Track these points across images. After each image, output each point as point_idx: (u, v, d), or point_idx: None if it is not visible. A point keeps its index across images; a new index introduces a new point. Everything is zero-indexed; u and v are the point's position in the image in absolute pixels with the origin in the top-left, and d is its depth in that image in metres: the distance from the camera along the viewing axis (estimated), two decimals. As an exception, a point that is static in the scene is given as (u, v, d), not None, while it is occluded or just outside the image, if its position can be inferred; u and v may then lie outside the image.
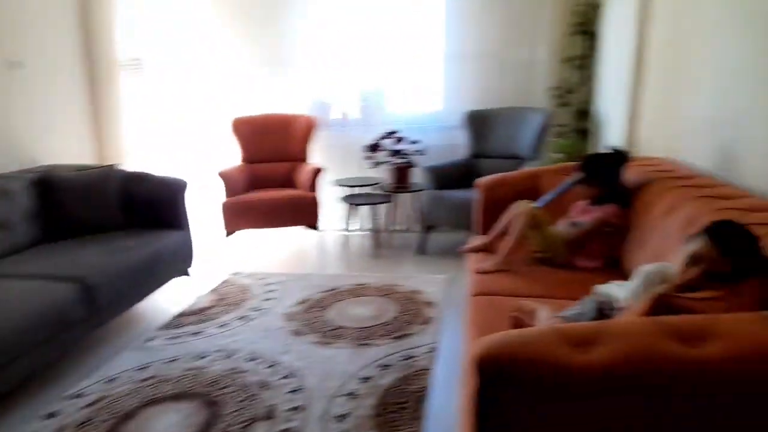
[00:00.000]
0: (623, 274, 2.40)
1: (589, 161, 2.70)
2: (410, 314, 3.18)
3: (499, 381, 1.19)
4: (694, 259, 1.45)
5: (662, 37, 3.22)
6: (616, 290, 1.80)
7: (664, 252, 2.01)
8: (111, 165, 3.88)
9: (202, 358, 2.77)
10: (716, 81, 2.47)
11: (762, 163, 2.09)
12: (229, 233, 4.38)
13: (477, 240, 3.05)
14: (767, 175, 2.05)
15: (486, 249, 2.86)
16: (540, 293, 2.29)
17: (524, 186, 3.18)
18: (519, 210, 2.63)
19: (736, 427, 1.17)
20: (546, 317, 1.85)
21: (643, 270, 1.69)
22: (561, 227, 2.71)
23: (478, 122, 4.67)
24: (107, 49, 4.54)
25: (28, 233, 3.22)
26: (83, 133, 4.45)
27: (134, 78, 4.89)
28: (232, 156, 4.88)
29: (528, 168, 3.52)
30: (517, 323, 1.93)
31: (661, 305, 1.34)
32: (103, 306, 2.82)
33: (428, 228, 4.31)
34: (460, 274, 3.67)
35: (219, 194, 4.47)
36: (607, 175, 2.65)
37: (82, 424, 2.24)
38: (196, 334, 3.05)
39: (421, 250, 4.37)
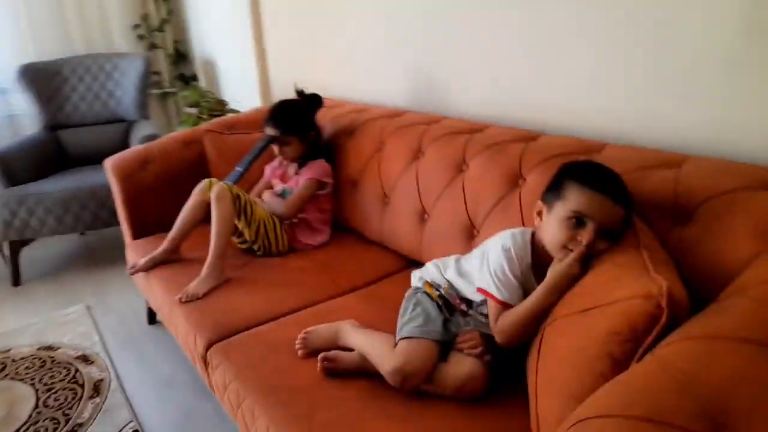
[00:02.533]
0: (365, 245, 1.96)
1: (281, 112, 2.07)
2: (62, 391, 1.99)
3: None
4: (580, 218, 1.09)
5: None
6: (458, 273, 1.33)
7: (453, 213, 1.62)
8: None
9: None
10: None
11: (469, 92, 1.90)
12: None
13: (142, 250, 2.07)
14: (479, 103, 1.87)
15: (170, 259, 1.95)
16: (299, 303, 1.62)
17: (183, 159, 2.31)
18: (216, 194, 1.82)
19: None
20: (374, 343, 1.25)
21: (503, 243, 1.24)
22: (266, 203, 2.03)
23: (42, 80, 3.30)
24: None
25: None
26: None
27: None
28: None
29: (171, 133, 2.59)
30: (334, 365, 1.27)
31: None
32: None
33: (18, 244, 2.86)
34: (103, 297, 2.59)
35: None
36: (303, 125, 2.08)
37: None
38: None
39: (16, 279, 2.90)
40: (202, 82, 4.03)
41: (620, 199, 1.09)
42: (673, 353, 0.77)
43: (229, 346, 1.46)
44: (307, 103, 2.12)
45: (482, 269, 1.24)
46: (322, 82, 2.31)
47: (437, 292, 1.35)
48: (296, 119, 2.05)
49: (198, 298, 1.69)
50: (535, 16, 1.61)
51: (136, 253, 2.11)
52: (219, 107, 2.89)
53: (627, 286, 0.90)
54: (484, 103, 1.85)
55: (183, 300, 1.68)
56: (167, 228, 2.13)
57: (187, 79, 4.11)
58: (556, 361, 0.98)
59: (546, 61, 1.61)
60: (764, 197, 1.04)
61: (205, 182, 1.92)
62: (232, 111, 2.94)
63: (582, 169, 1.16)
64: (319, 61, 2.69)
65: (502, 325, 1.16)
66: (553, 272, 1.12)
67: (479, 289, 1.25)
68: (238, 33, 3.17)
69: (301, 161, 2.07)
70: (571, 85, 1.56)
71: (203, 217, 1.93)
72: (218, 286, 1.74)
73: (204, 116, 2.81)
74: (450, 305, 1.32)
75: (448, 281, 1.36)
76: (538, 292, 1.13)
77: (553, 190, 1.17)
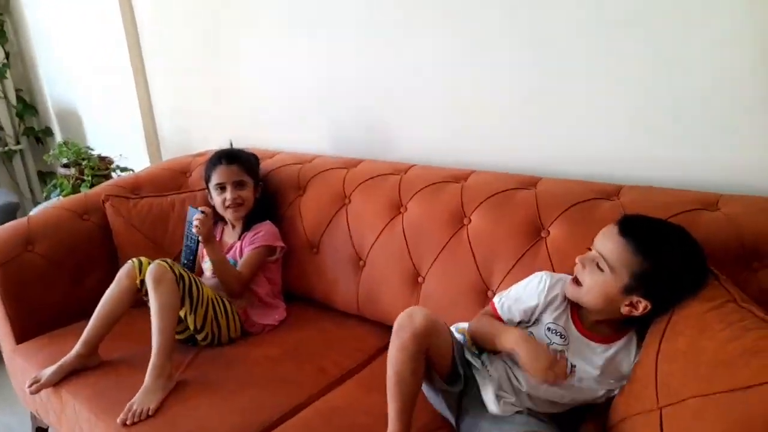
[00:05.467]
0: (335, 319, 1.68)
1: (234, 150, 1.79)
2: None
3: None
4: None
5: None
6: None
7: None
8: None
9: None
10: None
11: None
12: None
13: (36, 357, 1.57)
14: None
15: (86, 366, 1.49)
16: (290, 405, 1.30)
17: (77, 234, 1.84)
18: (154, 275, 1.42)
19: None
20: None
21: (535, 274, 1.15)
22: (208, 282, 1.67)
23: None
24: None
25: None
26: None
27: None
28: None
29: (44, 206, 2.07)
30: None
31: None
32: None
33: None
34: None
35: None
36: (257, 170, 1.83)
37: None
38: None
39: None
40: (58, 137, 3.43)
41: (630, 234, 0.99)
42: None
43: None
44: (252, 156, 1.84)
45: None
46: (235, 137, 2.03)
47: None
48: (252, 160, 1.79)
49: (149, 416, 1.29)
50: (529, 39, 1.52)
51: (25, 361, 1.60)
52: (103, 166, 2.41)
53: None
54: (450, 147, 1.72)
55: (128, 422, 1.27)
56: (62, 323, 1.71)
57: (38, 134, 3.47)
58: (701, 450, 0.83)
59: (542, 101, 1.51)
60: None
61: (133, 263, 1.51)
62: (122, 169, 2.48)
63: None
64: (227, 112, 2.38)
65: (476, 318, 1.17)
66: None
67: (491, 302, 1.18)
68: (114, 77, 2.73)
69: (245, 222, 1.75)
70: (566, 127, 1.48)
71: (129, 308, 1.52)
72: (168, 396, 1.35)
73: (87, 178, 2.31)
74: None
75: None
76: (513, 328, 1.10)
77: None
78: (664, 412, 0.91)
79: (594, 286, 1.02)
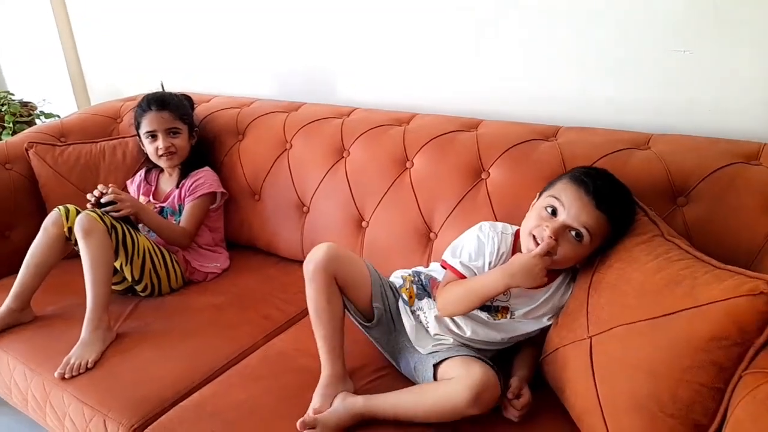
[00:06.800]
0: (279, 265, 1.67)
1: (167, 95, 1.67)
2: None
3: None
4: (555, 209, 1.06)
5: None
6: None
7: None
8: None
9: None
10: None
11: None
12: None
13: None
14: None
15: (18, 321, 1.43)
16: (234, 352, 1.29)
17: (13, 189, 1.73)
18: (83, 226, 1.35)
19: None
20: (419, 395, 1.04)
21: (479, 225, 1.16)
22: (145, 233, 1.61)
23: None
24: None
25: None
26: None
27: None
28: None
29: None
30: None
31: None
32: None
33: None
34: None
35: None
36: (192, 116, 1.74)
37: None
38: None
39: None
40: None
41: (606, 206, 1.00)
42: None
43: (168, 427, 1.09)
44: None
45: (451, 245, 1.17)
46: (168, 80, 1.91)
47: (413, 278, 1.22)
48: (186, 105, 1.71)
49: (88, 369, 1.25)
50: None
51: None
52: (26, 112, 2.25)
53: (710, 284, 0.82)
54: (392, 91, 1.69)
55: (66, 375, 1.23)
56: (-10, 278, 1.63)
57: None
58: (627, 374, 0.88)
59: (482, 45, 1.49)
60: (759, 171, 1.06)
61: (59, 210, 1.43)
62: (46, 115, 2.32)
63: (584, 169, 1.08)
64: (159, 53, 2.25)
65: (444, 291, 1.10)
66: (512, 259, 1.04)
67: (442, 262, 1.16)
68: (33, 15, 2.52)
69: (182, 170, 1.69)
70: (509, 71, 1.47)
71: (60, 258, 1.46)
72: (107, 348, 1.32)
73: (8, 125, 2.15)
74: (426, 290, 1.20)
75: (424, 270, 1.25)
76: (492, 273, 1.05)
77: (549, 184, 1.10)
78: (594, 341, 0.95)
79: (575, 256, 1.04)
